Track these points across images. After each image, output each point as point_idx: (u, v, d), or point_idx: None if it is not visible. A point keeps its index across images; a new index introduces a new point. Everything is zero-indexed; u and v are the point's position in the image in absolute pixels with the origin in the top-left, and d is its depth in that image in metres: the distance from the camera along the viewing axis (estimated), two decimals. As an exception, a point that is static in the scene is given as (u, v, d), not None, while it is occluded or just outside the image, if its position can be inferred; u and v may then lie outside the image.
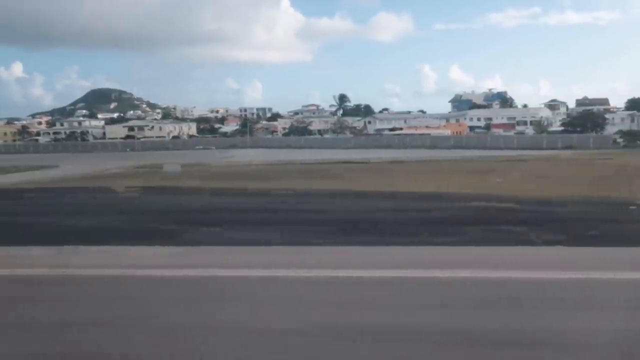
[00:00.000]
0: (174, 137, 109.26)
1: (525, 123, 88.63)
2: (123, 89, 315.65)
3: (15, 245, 15.71)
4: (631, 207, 19.74)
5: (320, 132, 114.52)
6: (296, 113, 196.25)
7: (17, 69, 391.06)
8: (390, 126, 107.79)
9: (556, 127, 79.05)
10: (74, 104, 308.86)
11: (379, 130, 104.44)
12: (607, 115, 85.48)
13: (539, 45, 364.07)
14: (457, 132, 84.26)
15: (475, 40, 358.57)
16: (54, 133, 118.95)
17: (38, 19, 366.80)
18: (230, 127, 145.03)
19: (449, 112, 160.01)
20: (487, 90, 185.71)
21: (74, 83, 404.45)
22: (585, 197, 22.68)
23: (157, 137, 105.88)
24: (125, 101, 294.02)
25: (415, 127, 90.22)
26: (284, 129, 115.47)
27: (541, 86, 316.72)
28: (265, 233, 16.67)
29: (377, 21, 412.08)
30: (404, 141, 73.38)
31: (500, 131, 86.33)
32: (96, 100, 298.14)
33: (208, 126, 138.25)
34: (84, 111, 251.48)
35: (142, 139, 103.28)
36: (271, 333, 8.17)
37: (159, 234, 16.78)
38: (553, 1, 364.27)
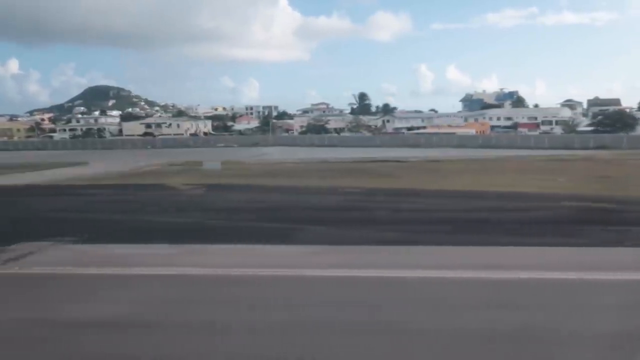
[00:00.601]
0: (191, 134, 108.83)
1: (550, 123, 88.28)
2: (120, 86, 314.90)
3: (129, 244, 15.37)
4: None
5: (336, 130, 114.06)
6: (305, 112, 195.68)
7: (14, 65, 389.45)
8: (408, 125, 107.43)
9: (583, 127, 78.57)
10: (72, 100, 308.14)
11: (397, 129, 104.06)
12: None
13: (536, 45, 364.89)
14: (480, 132, 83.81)
15: (473, 40, 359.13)
16: (70, 130, 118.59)
17: (35, 16, 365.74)
18: (242, 125, 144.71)
19: (459, 112, 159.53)
20: (499, 90, 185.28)
21: (71, 80, 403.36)
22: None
23: (174, 134, 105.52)
24: (123, 99, 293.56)
25: (438, 126, 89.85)
26: (301, 127, 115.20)
27: (537, 86, 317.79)
28: (378, 232, 16.30)
29: (375, 20, 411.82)
30: (430, 140, 72.89)
31: (526, 131, 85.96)
32: (94, 97, 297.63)
33: (221, 124, 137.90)
34: (82, 108, 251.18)
35: (159, 136, 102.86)
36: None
37: (270, 232, 16.38)
38: (550, 1, 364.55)
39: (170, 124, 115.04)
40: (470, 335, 8.05)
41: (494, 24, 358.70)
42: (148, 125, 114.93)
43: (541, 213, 19.34)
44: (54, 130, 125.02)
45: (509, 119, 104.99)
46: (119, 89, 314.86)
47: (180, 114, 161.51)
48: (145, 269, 12.73)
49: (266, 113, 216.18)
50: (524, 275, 11.20)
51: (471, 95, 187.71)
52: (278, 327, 8.67)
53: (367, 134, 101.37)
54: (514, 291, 10.47)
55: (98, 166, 53.45)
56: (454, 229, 16.65)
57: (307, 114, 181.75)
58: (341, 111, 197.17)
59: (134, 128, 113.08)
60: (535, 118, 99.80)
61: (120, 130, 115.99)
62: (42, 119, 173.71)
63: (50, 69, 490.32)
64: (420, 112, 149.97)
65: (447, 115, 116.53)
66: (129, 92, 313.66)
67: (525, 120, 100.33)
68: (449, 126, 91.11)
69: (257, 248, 14.59)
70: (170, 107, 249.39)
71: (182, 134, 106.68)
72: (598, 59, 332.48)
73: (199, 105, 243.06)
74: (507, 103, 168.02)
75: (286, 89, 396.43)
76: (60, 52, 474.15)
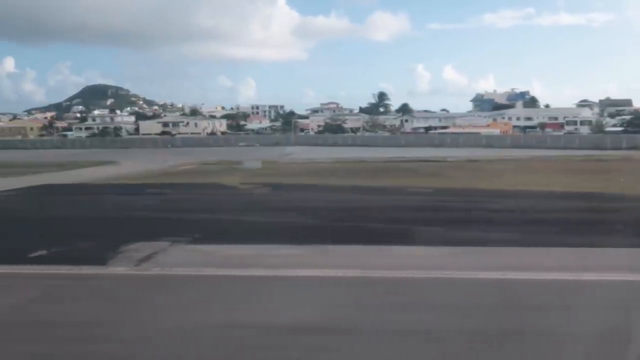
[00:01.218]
0: (209, 133, 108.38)
1: (574, 123, 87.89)
2: (118, 85, 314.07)
3: (243, 244, 14.97)
4: None
5: (352, 130, 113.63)
6: (315, 111, 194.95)
7: (10, 63, 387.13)
8: (426, 125, 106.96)
9: (610, 127, 78.20)
10: (70, 99, 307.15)
11: (415, 129, 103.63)
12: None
13: (532, 46, 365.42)
14: (503, 132, 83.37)
15: (470, 40, 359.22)
16: (87, 128, 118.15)
17: (33, 14, 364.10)
18: (254, 124, 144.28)
19: (469, 112, 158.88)
20: (510, 90, 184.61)
21: (68, 79, 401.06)
22: None
23: (191, 133, 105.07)
24: (121, 97, 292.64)
25: (462, 127, 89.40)
26: (318, 126, 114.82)
27: (533, 86, 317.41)
28: (491, 233, 15.92)
29: (374, 20, 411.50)
30: (456, 140, 72.42)
31: (551, 131, 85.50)
32: (92, 96, 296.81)
33: (234, 123, 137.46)
34: (80, 107, 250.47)
35: (176, 135, 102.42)
36: None
37: (384, 233, 16.02)
38: (547, 2, 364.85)
39: (187, 123, 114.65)
40: None
41: (491, 24, 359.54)
42: (165, 124, 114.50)
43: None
44: (68, 129, 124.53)
45: (528, 119, 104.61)
46: (117, 88, 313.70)
47: (194, 113, 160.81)
48: (286, 270, 12.36)
49: (272, 112, 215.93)
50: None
51: (482, 95, 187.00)
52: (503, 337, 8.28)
53: (386, 133, 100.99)
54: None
55: (129, 165, 53.04)
56: (562, 229, 16.31)
57: (316, 113, 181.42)
58: (351, 110, 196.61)
59: (151, 127, 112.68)
60: (556, 118, 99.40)
61: (136, 129, 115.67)
62: (45, 117, 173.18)
63: (48, 68, 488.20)
64: (429, 111, 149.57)
65: (469, 115, 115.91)
66: (128, 91, 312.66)
67: (545, 121, 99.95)
68: (470, 126, 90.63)
69: (385, 249, 14.21)
70: (169, 106, 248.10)
71: (199, 133, 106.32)
72: (594, 59, 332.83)
73: (203, 104, 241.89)
74: (519, 103, 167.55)
75: (286, 89, 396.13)
76: (58, 50, 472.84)
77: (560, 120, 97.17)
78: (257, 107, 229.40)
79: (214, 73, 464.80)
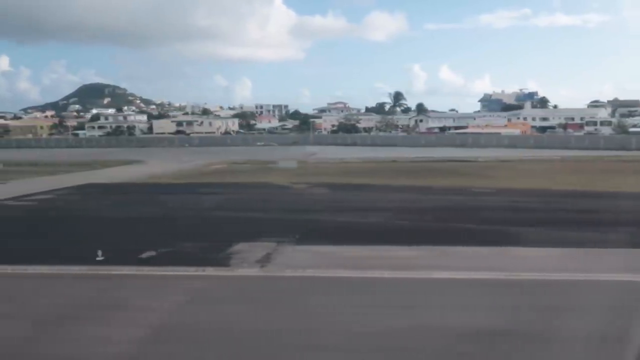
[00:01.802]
0: (224, 133, 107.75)
1: (594, 124, 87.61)
2: (113, 83, 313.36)
3: (349, 245, 14.62)
4: None
5: (365, 129, 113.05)
6: (322, 110, 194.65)
7: (5, 62, 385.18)
8: (441, 125, 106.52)
9: (632, 128, 77.90)
10: (67, 98, 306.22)
11: (430, 129, 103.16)
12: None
13: (529, 46, 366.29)
14: (523, 132, 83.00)
15: (467, 40, 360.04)
16: (99, 127, 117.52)
17: (29, 13, 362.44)
18: (264, 123, 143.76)
19: (476, 112, 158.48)
20: (518, 91, 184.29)
21: (64, 78, 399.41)
22: None
23: (205, 132, 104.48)
24: (118, 96, 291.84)
25: (481, 126, 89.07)
26: (332, 126, 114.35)
27: (528, 86, 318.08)
28: (596, 233, 15.60)
29: (371, 20, 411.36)
30: (477, 140, 71.98)
31: (572, 131, 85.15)
32: (89, 95, 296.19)
33: (244, 122, 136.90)
34: (77, 106, 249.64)
35: (191, 134, 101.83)
36: None
37: (498, 234, 15.69)
38: (543, 3, 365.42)
39: (201, 123, 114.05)
40: None
41: (488, 24, 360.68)
42: (179, 124, 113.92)
43: None
44: (79, 128, 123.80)
45: (544, 119, 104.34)
46: (114, 87, 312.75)
47: (205, 112, 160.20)
48: (419, 272, 12.03)
49: (275, 112, 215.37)
50: None
51: (490, 96, 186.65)
52: None
53: (401, 133, 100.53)
54: None
55: (157, 164, 52.54)
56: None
57: (324, 113, 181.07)
58: (359, 110, 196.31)
59: (165, 126, 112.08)
60: (572, 119, 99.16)
61: (149, 128, 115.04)
62: (47, 116, 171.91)
63: (43, 67, 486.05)
64: (436, 111, 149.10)
65: (488, 115, 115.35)
66: (125, 90, 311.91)
67: (562, 121, 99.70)
68: (489, 126, 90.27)
69: (501, 250, 13.94)
70: (167, 105, 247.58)
71: (213, 133, 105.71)
72: (589, 60, 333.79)
73: (205, 103, 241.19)
74: (527, 103, 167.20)
75: (283, 88, 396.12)
76: (54, 49, 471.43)
77: (577, 120, 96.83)
78: (262, 107, 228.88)
79: (211, 73, 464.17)
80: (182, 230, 16.99)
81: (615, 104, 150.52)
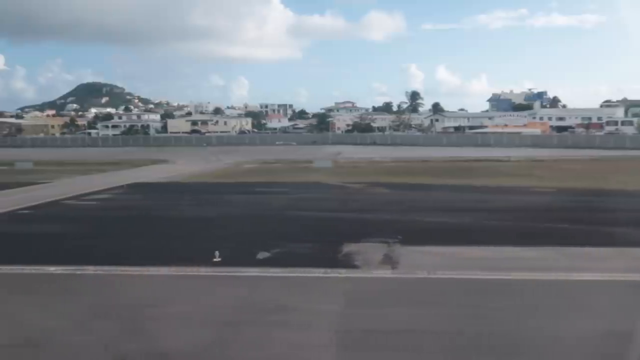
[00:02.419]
0: (240, 132, 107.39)
1: (615, 123, 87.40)
2: (111, 83, 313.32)
3: (460, 246, 14.31)
4: None
5: (379, 129, 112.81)
6: (330, 109, 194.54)
7: (0, 61, 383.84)
8: (456, 124, 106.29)
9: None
10: (64, 97, 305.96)
11: (445, 128, 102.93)
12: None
13: (525, 46, 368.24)
14: (543, 131, 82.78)
15: (464, 40, 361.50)
16: (113, 126, 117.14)
17: (25, 12, 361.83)
18: (274, 123, 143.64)
19: (485, 111, 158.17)
20: (527, 90, 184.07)
21: (59, 77, 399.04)
22: None
23: (220, 132, 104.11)
24: (116, 96, 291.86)
25: (502, 126, 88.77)
26: (347, 125, 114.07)
27: (525, 86, 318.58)
28: None
29: (369, 20, 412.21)
30: (500, 140, 71.69)
31: (594, 131, 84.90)
32: (87, 94, 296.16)
33: (255, 121, 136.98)
34: (75, 105, 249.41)
35: (206, 133, 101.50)
36: None
37: (597, 235, 15.40)
38: (540, 3, 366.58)
39: (216, 122, 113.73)
40: None
41: (485, 24, 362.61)
42: (194, 123, 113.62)
43: None
44: (91, 127, 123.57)
45: (561, 119, 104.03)
46: (112, 86, 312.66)
47: (217, 112, 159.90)
48: (559, 274, 11.68)
49: (280, 111, 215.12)
50: None
51: (498, 95, 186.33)
52: None
53: (417, 132, 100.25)
54: None
55: (186, 163, 52.23)
56: None
57: (332, 112, 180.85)
58: (367, 109, 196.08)
59: (179, 125, 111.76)
60: (589, 118, 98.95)
61: (163, 127, 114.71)
62: (48, 115, 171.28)
63: (40, 66, 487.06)
64: (447, 111, 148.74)
65: (508, 115, 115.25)
66: (122, 89, 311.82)
67: (578, 121, 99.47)
68: (511, 125, 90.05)
69: (633, 251, 13.61)
70: (165, 105, 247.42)
71: (228, 132, 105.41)
72: (585, 60, 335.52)
73: (209, 103, 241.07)
74: (536, 103, 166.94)
75: (281, 87, 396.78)
76: (50, 48, 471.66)
77: (594, 120, 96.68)
78: (267, 106, 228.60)
79: (208, 72, 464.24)
80: (276, 230, 16.66)
81: (626, 104, 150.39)
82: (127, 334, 8.37)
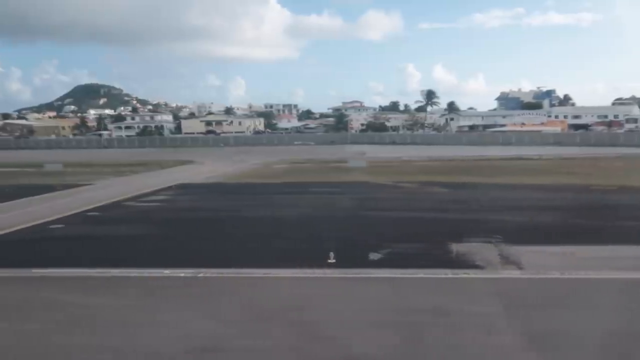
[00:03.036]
0: (256, 132, 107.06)
1: (635, 121, 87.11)
2: (107, 84, 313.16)
3: (573, 245, 14.06)
4: None
5: (392, 128, 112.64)
6: (337, 109, 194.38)
7: None
8: (470, 123, 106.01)
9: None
10: (62, 99, 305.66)
11: (460, 127, 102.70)
12: None
13: (522, 45, 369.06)
14: (562, 129, 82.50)
15: (460, 39, 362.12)
16: (126, 127, 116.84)
17: (18, 12, 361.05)
18: (283, 123, 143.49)
19: (493, 110, 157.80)
20: (536, 89, 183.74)
21: (54, 78, 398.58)
22: None
23: (235, 132, 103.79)
24: (114, 97, 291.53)
25: (519, 124, 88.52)
26: (361, 125, 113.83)
27: (522, 85, 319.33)
28: None
29: (366, 19, 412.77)
30: (521, 138, 71.39)
31: (615, 128, 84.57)
32: (84, 95, 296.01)
33: (266, 122, 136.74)
34: (73, 107, 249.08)
35: (221, 134, 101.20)
36: None
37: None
38: (536, 2, 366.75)
39: (231, 122, 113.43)
40: None
41: (482, 23, 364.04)
42: (208, 123, 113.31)
43: None
44: (104, 128, 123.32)
45: (577, 117, 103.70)
46: (110, 87, 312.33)
47: (229, 112, 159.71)
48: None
49: (285, 111, 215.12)
50: None
51: (507, 94, 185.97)
52: None
53: (432, 131, 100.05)
54: None
55: (213, 164, 51.97)
56: None
57: (339, 112, 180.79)
58: (375, 109, 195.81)
59: (193, 126, 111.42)
60: (606, 116, 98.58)
61: (176, 128, 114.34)
62: (50, 117, 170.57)
63: (35, 68, 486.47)
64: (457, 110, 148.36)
65: (524, 113, 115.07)
66: (120, 90, 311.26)
67: (595, 119, 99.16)
68: (523, 124, 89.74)
69: None
70: (163, 106, 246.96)
71: (243, 132, 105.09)
72: (581, 58, 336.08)
73: (212, 103, 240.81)
74: (545, 101, 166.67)
75: (280, 87, 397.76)
76: (45, 50, 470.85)
77: (610, 118, 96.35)
78: (271, 106, 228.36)
79: (205, 72, 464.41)
80: (367, 231, 16.40)
81: (637, 101, 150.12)
82: (309, 339, 8.13)
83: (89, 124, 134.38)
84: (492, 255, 13.06)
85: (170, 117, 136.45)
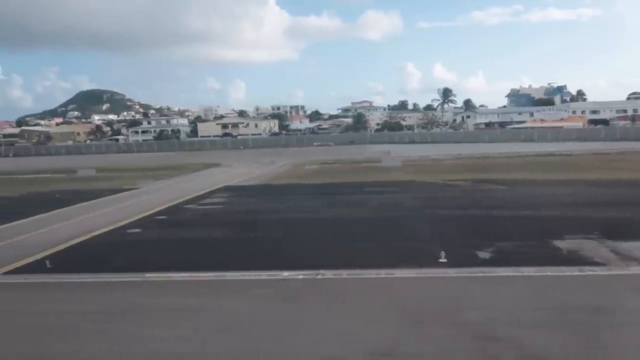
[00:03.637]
0: (273, 133, 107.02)
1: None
2: (109, 89, 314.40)
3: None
4: None
5: (407, 127, 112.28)
6: (347, 110, 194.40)
7: None
8: (486, 120, 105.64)
9: None
10: (65, 105, 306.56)
11: (476, 125, 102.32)
12: None
13: (522, 42, 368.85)
14: (584, 125, 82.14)
15: (459, 37, 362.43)
16: (143, 132, 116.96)
17: (17, 19, 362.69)
18: (295, 124, 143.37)
19: (502, 107, 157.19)
20: (547, 85, 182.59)
21: (55, 85, 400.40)
22: None
23: (252, 134, 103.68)
24: (117, 102, 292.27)
25: (540, 120, 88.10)
26: (377, 124, 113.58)
27: (524, 81, 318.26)
28: None
29: (366, 19, 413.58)
30: (544, 135, 71.09)
31: (639, 123, 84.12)
32: (87, 101, 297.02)
33: (280, 123, 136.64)
34: (76, 113, 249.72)
35: (237, 136, 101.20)
36: None
37: None
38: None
39: (247, 124, 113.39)
40: None
41: (481, 21, 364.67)
42: (224, 126, 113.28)
43: None
44: (118, 133, 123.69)
45: (595, 112, 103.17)
46: (113, 93, 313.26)
47: (242, 114, 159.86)
48: None
49: (292, 112, 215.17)
50: None
51: (517, 91, 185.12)
52: None
53: (449, 129, 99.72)
54: None
55: (243, 166, 52.02)
56: None
57: (349, 112, 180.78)
58: (385, 108, 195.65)
59: (209, 129, 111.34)
60: (625, 111, 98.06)
61: (192, 131, 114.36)
62: (57, 124, 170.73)
63: (36, 75, 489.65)
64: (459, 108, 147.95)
65: (545, 109, 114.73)
66: (123, 95, 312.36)
67: (613, 114, 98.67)
68: (542, 120, 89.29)
69: None
70: (166, 110, 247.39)
71: (260, 134, 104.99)
72: (583, 54, 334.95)
73: (218, 106, 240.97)
74: (557, 98, 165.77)
75: (283, 89, 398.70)
76: (45, 57, 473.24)
77: (630, 112, 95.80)
78: (279, 108, 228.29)
79: (205, 75, 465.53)
80: (455, 229, 16.20)
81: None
82: (487, 339, 7.98)
83: (104, 129, 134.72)
84: (603, 252, 12.87)
85: (185, 121, 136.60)
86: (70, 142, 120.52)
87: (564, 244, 13.72)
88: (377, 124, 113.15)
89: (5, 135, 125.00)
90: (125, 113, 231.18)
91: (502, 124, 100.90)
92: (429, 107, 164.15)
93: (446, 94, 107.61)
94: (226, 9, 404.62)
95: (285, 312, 9.55)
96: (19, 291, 11.70)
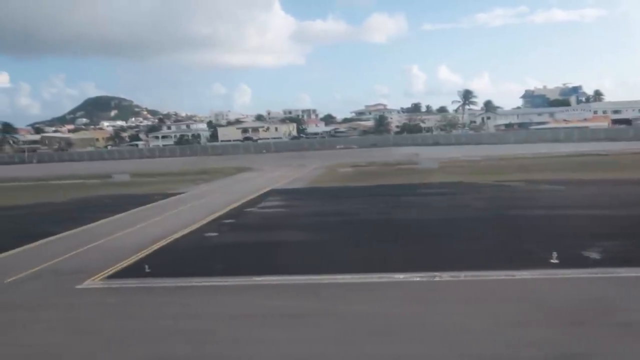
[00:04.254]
0: (293, 137, 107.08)
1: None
2: (116, 96, 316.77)
3: None
4: None
5: (426, 129, 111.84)
6: (361, 113, 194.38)
7: (5, 79, 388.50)
8: (506, 122, 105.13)
9: None
10: (73, 112, 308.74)
11: (497, 126, 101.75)
12: None
13: (527, 43, 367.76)
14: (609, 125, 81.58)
15: (465, 39, 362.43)
16: (163, 137, 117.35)
17: (24, 28, 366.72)
18: (311, 128, 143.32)
19: (516, 108, 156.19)
20: (562, 85, 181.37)
21: (63, 92, 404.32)
22: None
23: (272, 138, 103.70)
24: (125, 108, 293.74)
25: (564, 121, 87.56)
26: (396, 127, 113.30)
27: (528, 82, 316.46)
28: None
29: (371, 22, 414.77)
30: (570, 135, 70.59)
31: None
32: (95, 108, 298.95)
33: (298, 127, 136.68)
34: (85, 119, 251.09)
35: (258, 140, 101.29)
36: None
37: None
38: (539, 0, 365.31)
39: (267, 128, 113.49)
40: None
41: (485, 23, 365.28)
42: (245, 130, 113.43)
43: None
44: (137, 138, 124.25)
45: (616, 112, 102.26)
46: (120, 99, 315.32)
47: (260, 118, 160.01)
48: None
49: (304, 116, 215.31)
50: None
51: (532, 92, 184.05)
52: None
53: (470, 131, 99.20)
54: None
55: (275, 170, 51.93)
56: None
57: (362, 115, 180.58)
58: (398, 111, 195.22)
59: (229, 133, 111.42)
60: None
61: (211, 136, 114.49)
62: (69, 131, 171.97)
63: (43, 82, 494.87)
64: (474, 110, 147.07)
65: (568, 110, 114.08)
66: (131, 101, 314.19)
67: (636, 114, 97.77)
68: (565, 121, 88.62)
69: None
70: (173, 115, 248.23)
71: (280, 137, 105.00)
72: (588, 54, 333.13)
73: (229, 111, 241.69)
74: (572, 98, 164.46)
75: (289, 92, 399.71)
76: (52, 64, 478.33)
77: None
78: (290, 112, 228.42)
79: (212, 80, 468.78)
80: (541, 230, 16.07)
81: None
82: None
83: (122, 135, 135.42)
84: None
85: (204, 126, 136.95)
86: (90, 148, 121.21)
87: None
88: (397, 127, 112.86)
89: (24, 142, 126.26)
90: (133, 119, 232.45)
91: (521, 125, 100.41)
92: (442, 109, 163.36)
93: (467, 95, 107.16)
94: (232, 14, 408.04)
95: (431, 314, 9.45)
96: (157, 295, 11.69)
